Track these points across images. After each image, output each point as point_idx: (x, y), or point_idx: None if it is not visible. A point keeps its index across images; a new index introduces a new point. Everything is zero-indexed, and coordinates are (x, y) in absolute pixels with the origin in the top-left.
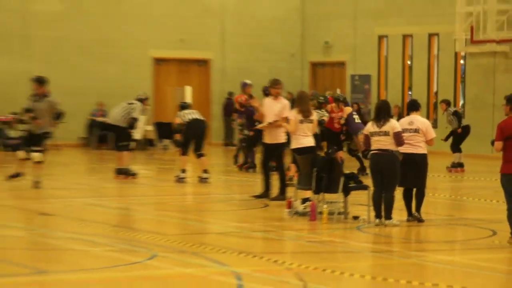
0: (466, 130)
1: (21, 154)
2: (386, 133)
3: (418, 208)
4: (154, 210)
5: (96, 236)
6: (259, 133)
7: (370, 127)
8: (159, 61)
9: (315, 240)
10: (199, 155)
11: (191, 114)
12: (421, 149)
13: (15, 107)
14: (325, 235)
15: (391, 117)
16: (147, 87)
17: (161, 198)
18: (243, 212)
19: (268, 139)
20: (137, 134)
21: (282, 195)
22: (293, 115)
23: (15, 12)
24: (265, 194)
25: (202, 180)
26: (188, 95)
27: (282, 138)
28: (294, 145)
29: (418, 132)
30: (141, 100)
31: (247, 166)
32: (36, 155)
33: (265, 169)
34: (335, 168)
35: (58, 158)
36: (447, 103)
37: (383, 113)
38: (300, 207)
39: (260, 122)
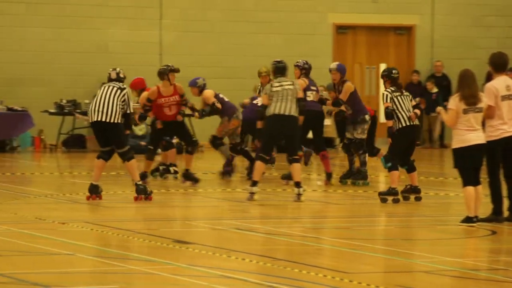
0: None
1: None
2: None
3: None
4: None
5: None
6: None
7: None
8: (342, 29)
9: None
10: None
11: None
12: None
13: None
14: None
15: None
16: (326, 63)
17: None
18: (461, 241)
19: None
20: None
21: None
22: (453, 103)
23: None
24: (494, 216)
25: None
26: None
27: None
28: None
29: None
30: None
31: None
32: None
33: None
34: None
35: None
36: None
37: None
38: None
39: None
